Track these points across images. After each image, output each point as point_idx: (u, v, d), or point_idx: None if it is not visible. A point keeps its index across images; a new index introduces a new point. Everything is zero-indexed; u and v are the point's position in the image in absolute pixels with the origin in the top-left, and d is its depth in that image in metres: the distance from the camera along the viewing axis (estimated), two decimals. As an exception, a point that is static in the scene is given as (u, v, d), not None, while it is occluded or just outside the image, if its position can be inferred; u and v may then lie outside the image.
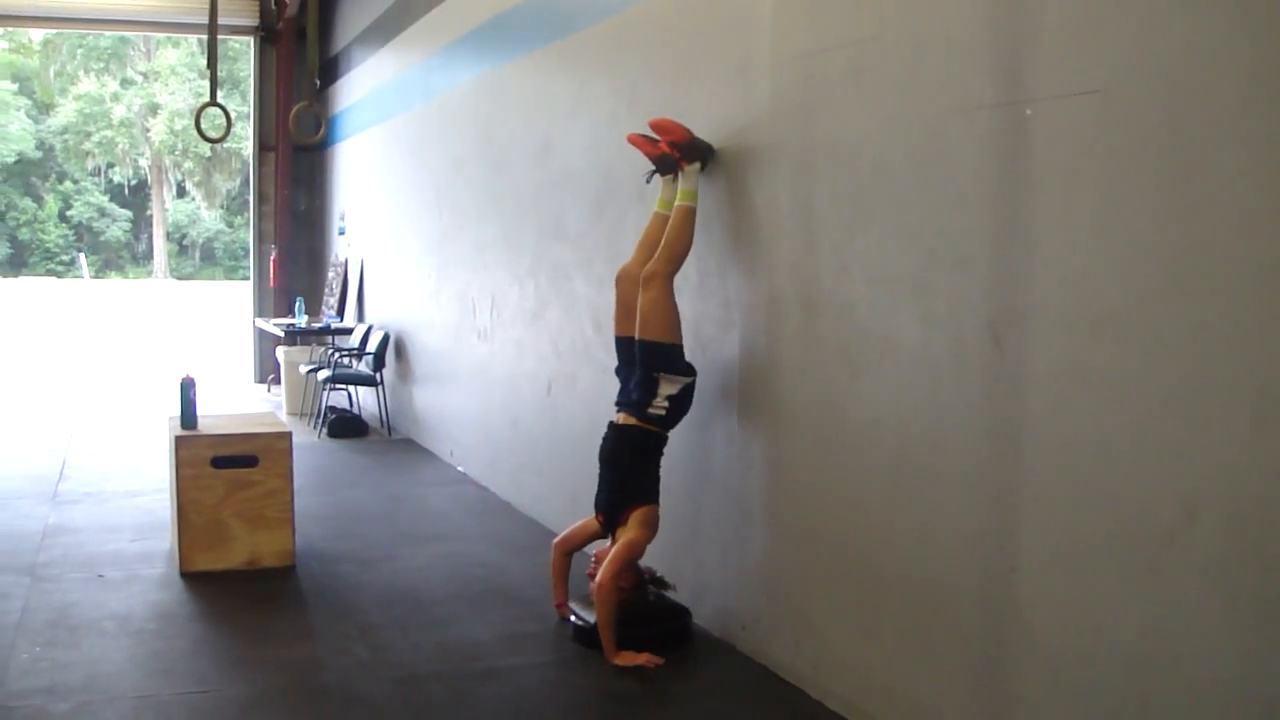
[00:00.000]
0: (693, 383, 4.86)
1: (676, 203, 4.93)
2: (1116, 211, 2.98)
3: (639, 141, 5.04)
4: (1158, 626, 2.88)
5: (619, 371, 5.07)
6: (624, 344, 5.03)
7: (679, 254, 4.90)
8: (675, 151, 4.91)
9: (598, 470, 5.02)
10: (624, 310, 5.03)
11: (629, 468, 4.88)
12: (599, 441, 5.03)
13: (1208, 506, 2.74)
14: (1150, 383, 2.89)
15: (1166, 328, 2.84)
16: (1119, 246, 2.97)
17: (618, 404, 4.99)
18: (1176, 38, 2.83)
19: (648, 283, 4.86)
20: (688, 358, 4.88)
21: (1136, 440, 2.93)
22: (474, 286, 8.26)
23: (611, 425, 4.99)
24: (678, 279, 5.00)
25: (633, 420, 4.87)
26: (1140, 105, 2.91)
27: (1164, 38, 2.86)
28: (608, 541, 4.96)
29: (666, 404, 4.81)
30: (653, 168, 5.04)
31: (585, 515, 5.16)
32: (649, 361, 4.84)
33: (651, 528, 4.84)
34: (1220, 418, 2.71)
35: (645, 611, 4.84)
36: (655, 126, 4.97)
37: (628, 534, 4.79)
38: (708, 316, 5.00)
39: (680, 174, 4.94)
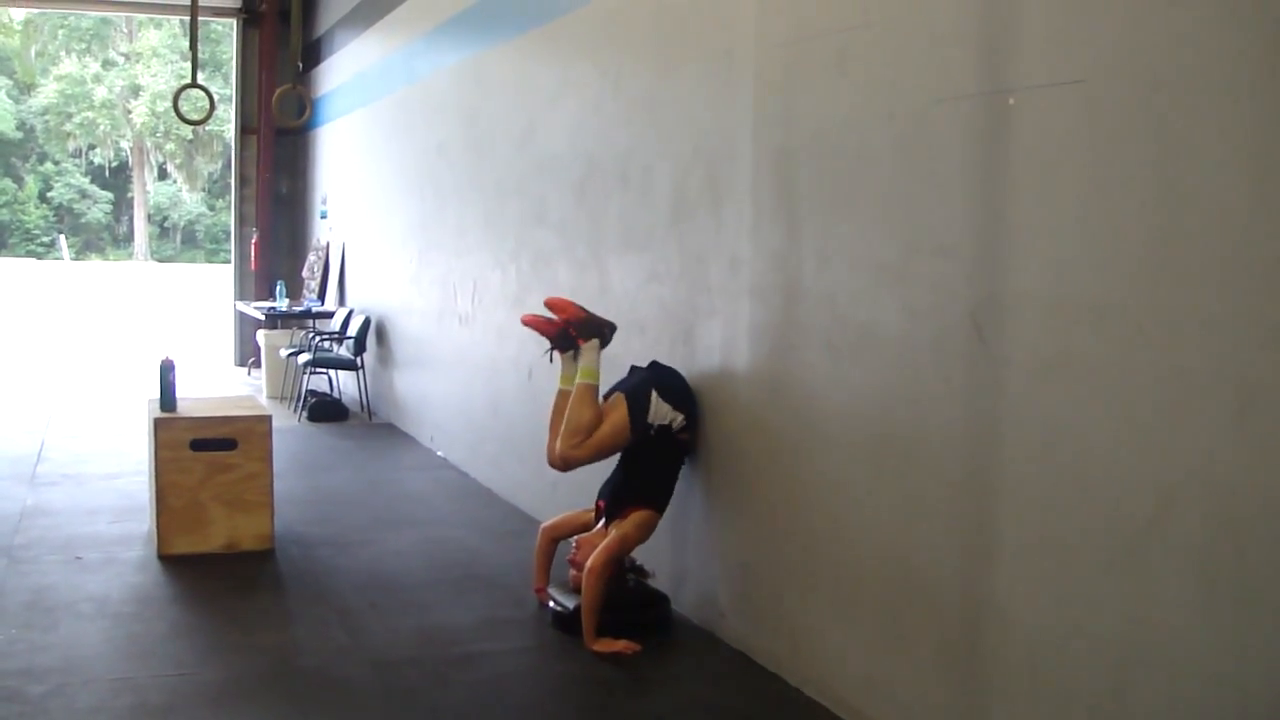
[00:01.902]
0: (650, 379, 4.84)
1: (577, 380, 4.88)
2: (1099, 201, 2.99)
3: (535, 322, 5.01)
4: (1135, 616, 2.89)
5: None
6: None
7: (582, 429, 4.79)
8: (571, 329, 4.89)
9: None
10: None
11: (647, 467, 4.86)
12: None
13: (1187, 496, 2.75)
14: (1131, 372, 2.89)
15: (1148, 317, 2.85)
16: (1101, 236, 2.98)
17: None
18: (1160, 28, 2.83)
19: (565, 463, 4.84)
20: (657, 354, 4.85)
21: (1116, 429, 2.94)
22: (455, 271, 8.24)
23: None
24: (659, 267, 4.98)
25: None
26: (1123, 95, 2.92)
27: (1148, 28, 2.86)
28: (595, 529, 4.94)
29: (682, 420, 4.79)
30: (549, 346, 5.01)
31: (566, 501, 5.16)
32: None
33: (647, 532, 4.81)
34: (1200, 408, 2.72)
35: (624, 598, 4.82)
36: (551, 305, 4.94)
37: (623, 529, 4.76)
38: (689, 304, 4.99)
39: (578, 351, 4.90)
